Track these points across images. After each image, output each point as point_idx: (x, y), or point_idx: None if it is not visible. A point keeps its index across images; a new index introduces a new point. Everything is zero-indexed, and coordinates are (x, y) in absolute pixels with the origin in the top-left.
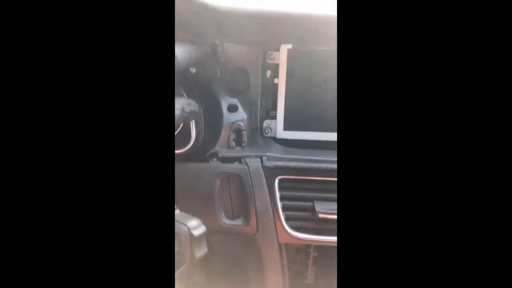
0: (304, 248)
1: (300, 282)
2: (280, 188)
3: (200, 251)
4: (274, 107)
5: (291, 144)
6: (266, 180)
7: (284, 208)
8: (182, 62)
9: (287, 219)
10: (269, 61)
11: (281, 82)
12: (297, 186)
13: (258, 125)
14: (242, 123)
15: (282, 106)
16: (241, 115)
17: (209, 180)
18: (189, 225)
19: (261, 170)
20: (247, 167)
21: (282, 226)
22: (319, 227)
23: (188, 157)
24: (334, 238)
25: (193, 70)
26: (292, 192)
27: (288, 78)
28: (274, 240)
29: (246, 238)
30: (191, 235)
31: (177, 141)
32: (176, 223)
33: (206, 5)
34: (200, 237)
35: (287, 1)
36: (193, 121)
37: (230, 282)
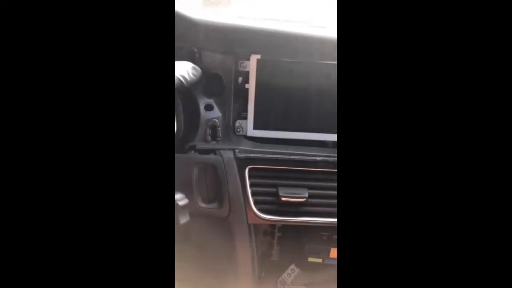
0: (270, 230)
1: (267, 260)
2: (250, 177)
3: (184, 219)
4: (245, 109)
5: (259, 141)
6: (238, 170)
7: (253, 194)
8: None
9: (256, 203)
10: (240, 69)
11: (251, 87)
12: (264, 174)
13: (231, 125)
14: (217, 120)
15: (252, 108)
16: (216, 113)
17: (187, 169)
18: (175, 197)
19: (234, 161)
20: (221, 158)
21: (251, 209)
22: (282, 209)
23: None
24: (294, 219)
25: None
26: (260, 179)
27: (257, 84)
28: (244, 221)
29: (219, 220)
30: (176, 205)
31: None
32: None
33: (188, 18)
34: (184, 206)
35: (262, 18)
36: (174, 117)
37: (204, 263)
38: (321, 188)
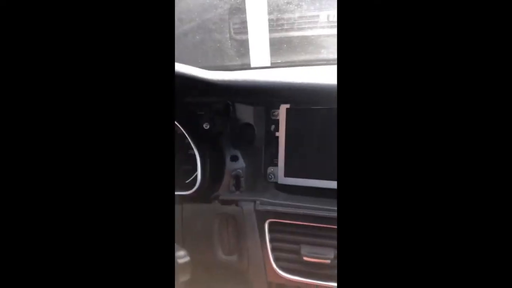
0: None
1: None
2: (270, 231)
3: (184, 277)
4: (276, 156)
5: (291, 191)
6: (257, 223)
7: (273, 249)
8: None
9: (276, 259)
10: (272, 117)
11: (281, 134)
12: (286, 229)
13: (262, 171)
14: (241, 171)
15: (283, 155)
16: (240, 163)
17: (210, 219)
18: (176, 254)
19: (254, 213)
20: (241, 210)
21: (271, 265)
22: (305, 269)
23: (194, 199)
24: (318, 282)
25: (206, 126)
26: (281, 234)
27: (287, 131)
28: (263, 278)
29: (239, 274)
30: (176, 262)
31: (186, 184)
32: None
33: (222, 80)
34: (184, 264)
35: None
36: (199, 167)
37: None
38: None
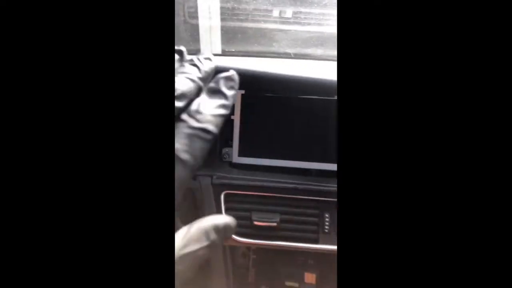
0: (246, 252)
1: (243, 281)
2: (225, 201)
3: None
4: (231, 138)
5: (245, 169)
6: (214, 195)
7: None
8: None
9: None
10: None
11: (236, 118)
12: (239, 199)
13: (217, 152)
14: None
15: (237, 137)
16: None
17: None
18: None
19: (211, 187)
20: (199, 184)
21: None
22: (255, 233)
23: None
24: (267, 242)
25: None
26: (235, 204)
27: (242, 115)
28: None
29: None
30: None
31: None
32: None
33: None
34: None
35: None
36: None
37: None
38: (293, 213)
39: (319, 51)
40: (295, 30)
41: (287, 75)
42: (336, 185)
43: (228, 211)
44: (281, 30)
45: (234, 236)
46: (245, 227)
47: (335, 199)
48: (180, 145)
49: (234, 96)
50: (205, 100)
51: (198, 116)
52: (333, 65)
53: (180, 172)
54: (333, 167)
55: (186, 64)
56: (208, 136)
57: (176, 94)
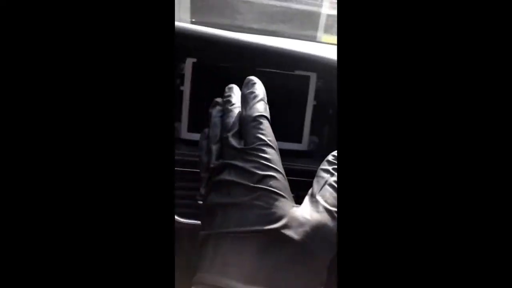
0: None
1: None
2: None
3: None
4: (180, 111)
5: (194, 143)
6: None
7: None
8: None
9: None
10: (180, 72)
11: (186, 89)
12: (186, 177)
13: None
14: None
15: (187, 111)
16: None
17: None
18: None
19: None
20: None
21: None
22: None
23: None
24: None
25: None
26: (183, 183)
27: (192, 86)
28: None
29: None
30: None
31: None
32: None
33: None
34: None
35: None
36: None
37: None
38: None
39: (285, 27)
40: (261, 3)
41: (246, 42)
42: (302, 165)
43: (178, 190)
44: (246, 2)
45: (177, 217)
46: (189, 207)
47: (305, 179)
48: None
49: None
50: None
51: None
52: (297, 43)
53: None
54: (292, 146)
55: None
56: None
57: None
